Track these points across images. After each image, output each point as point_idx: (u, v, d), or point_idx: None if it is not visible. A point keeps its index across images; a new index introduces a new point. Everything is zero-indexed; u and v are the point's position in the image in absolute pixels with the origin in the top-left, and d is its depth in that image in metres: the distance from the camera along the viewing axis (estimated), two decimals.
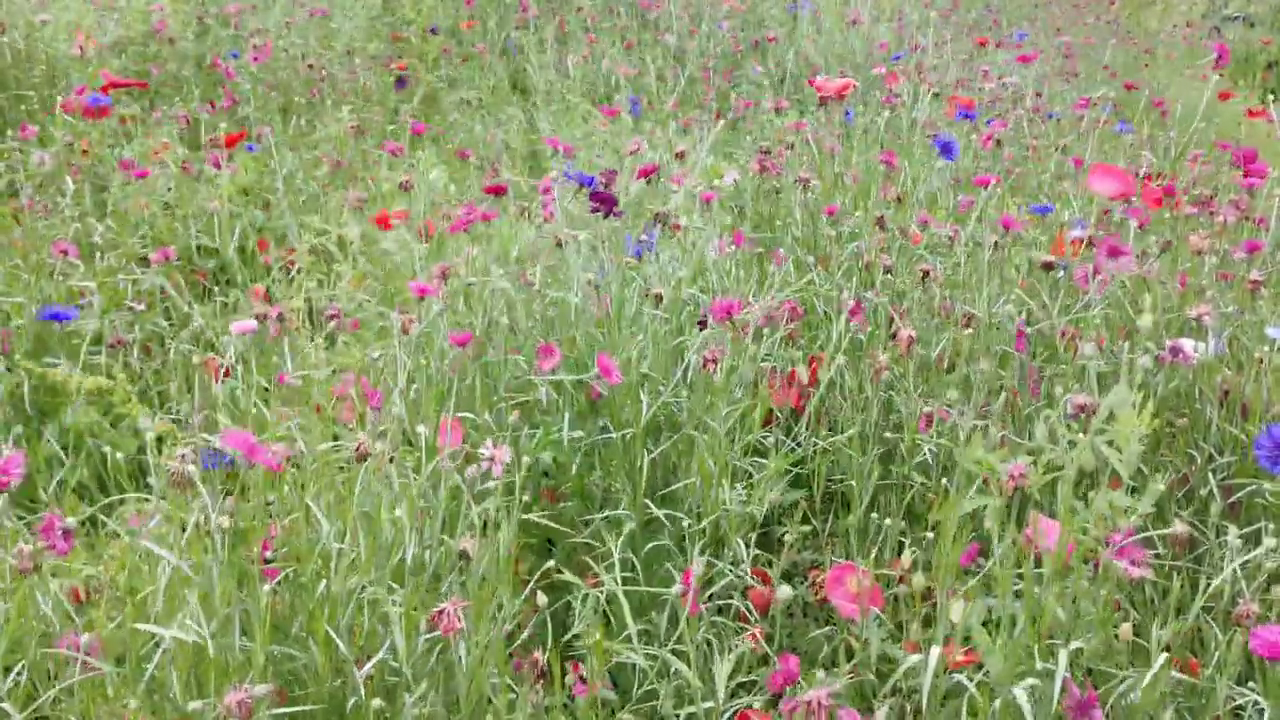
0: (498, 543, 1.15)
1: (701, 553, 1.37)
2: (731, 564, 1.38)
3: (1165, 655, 1.04)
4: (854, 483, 1.51)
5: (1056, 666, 1.01)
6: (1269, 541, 1.07)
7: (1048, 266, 1.68)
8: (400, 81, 4.34)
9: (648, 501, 1.46)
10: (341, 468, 1.30)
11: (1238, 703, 1.12)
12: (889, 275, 1.83)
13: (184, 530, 1.08)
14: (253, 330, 1.51)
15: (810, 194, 2.05)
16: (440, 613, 1.03)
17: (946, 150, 1.97)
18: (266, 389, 1.56)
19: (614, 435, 1.51)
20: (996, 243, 1.79)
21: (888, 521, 1.45)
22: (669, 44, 4.88)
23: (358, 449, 1.18)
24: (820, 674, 1.09)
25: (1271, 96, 5.30)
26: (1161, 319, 1.70)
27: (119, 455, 1.34)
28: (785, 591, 1.21)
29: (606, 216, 1.66)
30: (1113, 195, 1.58)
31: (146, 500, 1.21)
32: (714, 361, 1.42)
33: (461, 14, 5.13)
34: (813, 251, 2.01)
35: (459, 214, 2.02)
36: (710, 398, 1.44)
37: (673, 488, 1.52)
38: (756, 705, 1.18)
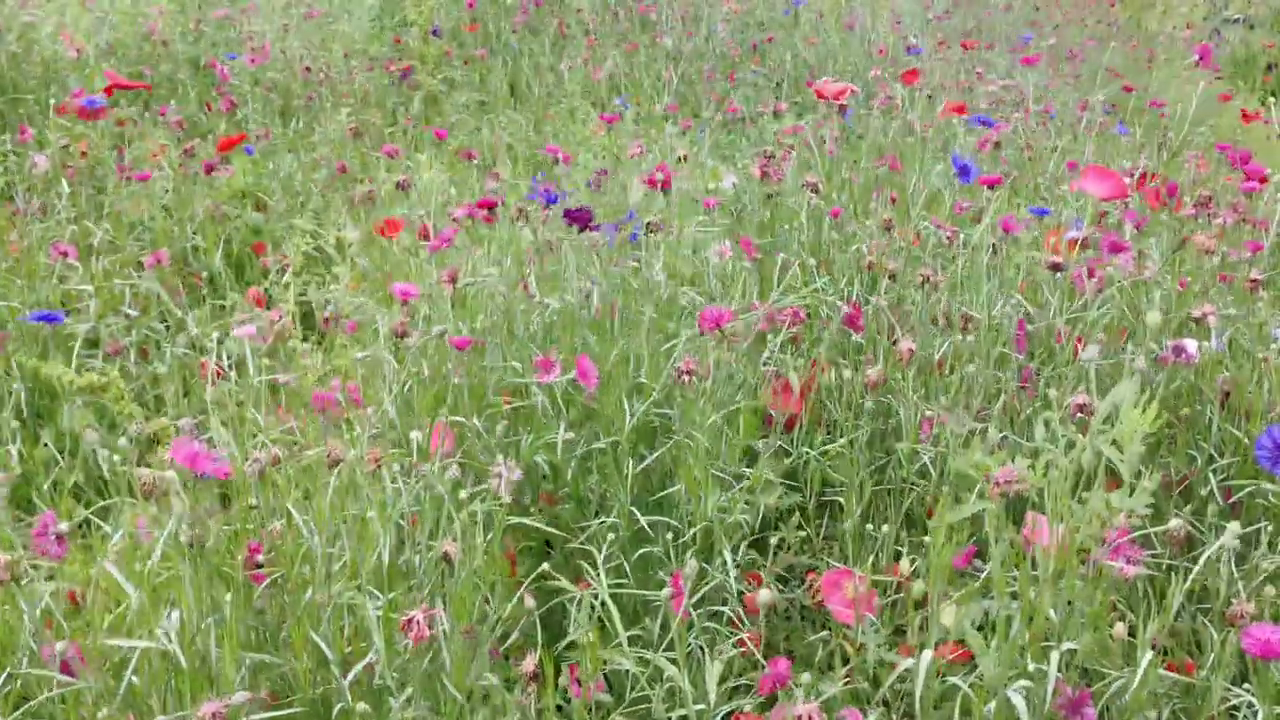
0: (488, 545, 1.14)
1: (693, 559, 1.36)
2: (724, 570, 1.38)
3: (1151, 653, 1.04)
4: (850, 487, 1.50)
5: (1049, 667, 1.01)
6: (1233, 526, 1.06)
7: (1055, 267, 1.67)
8: (401, 76, 4.33)
9: (634, 510, 1.45)
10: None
11: (1232, 703, 1.12)
12: (892, 280, 1.81)
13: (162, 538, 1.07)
14: (252, 334, 1.50)
15: (809, 198, 2.04)
16: (409, 620, 1.01)
17: (964, 173, 1.96)
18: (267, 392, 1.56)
19: (603, 442, 1.51)
20: (994, 245, 1.78)
21: (884, 528, 1.45)
22: (667, 46, 4.87)
23: (329, 455, 1.17)
24: (805, 676, 1.08)
25: (1272, 99, 5.29)
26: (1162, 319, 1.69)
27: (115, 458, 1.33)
28: (765, 596, 1.21)
29: (582, 232, 1.68)
30: (1104, 196, 1.57)
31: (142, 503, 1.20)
32: (690, 374, 1.39)
33: (463, 16, 5.12)
34: (815, 255, 2.00)
35: (458, 214, 2.01)
36: (695, 410, 1.43)
37: (666, 492, 1.51)
38: (748, 709, 1.17)
